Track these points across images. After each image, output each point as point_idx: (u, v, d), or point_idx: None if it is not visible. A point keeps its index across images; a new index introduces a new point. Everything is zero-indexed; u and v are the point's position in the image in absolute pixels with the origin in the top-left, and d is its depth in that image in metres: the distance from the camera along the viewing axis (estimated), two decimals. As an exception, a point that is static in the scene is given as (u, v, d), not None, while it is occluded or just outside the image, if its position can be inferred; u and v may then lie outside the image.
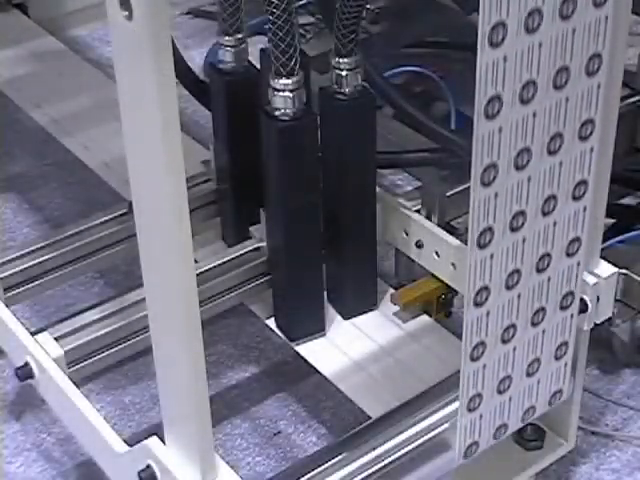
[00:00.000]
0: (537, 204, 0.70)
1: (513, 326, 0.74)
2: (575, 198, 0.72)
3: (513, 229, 0.69)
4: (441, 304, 1.00)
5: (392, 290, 1.01)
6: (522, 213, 0.69)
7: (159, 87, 0.55)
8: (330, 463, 0.77)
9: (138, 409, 1.03)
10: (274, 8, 0.80)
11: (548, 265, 0.73)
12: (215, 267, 0.95)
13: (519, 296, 0.73)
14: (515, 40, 0.62)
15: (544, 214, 0.71)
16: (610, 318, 0.85)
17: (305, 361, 0.95)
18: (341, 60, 0.88)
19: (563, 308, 0.77)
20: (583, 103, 0.68)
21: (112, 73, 0.60)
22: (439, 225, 0.96)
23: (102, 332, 0.88)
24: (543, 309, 0.75)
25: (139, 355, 0.95)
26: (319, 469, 0.77)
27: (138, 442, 0.73)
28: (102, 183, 1.20)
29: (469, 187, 0.65)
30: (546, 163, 0.69)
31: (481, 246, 0.68)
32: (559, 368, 0.80)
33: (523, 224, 0.70)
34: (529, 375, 0.78)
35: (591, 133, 0.70)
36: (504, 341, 0.74)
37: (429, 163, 1.09)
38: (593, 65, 0.67)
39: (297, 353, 0.96)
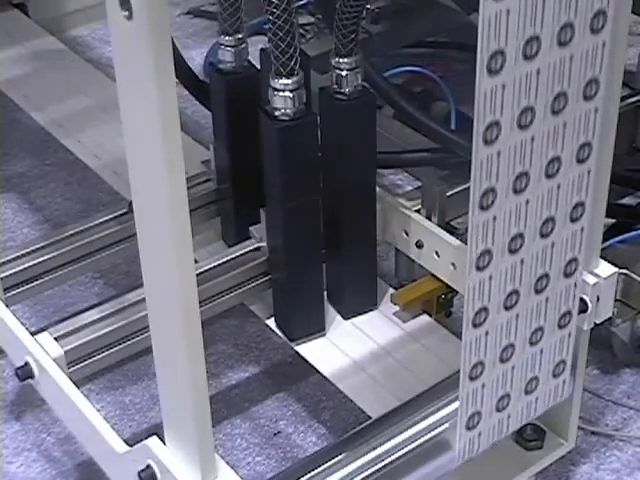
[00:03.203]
0: (535, 226, 0.70)
1: (511, 346, 0.74)
2: (573, 220, 0.73)
3: (511, 251, 0.70)
4: (441, 304, 1.00)
5: (392, 290, 1.01)
6: (520, 235, 0.70)
7: (159, 87, 0.55)
8: (330, 463, 0.77)
9: (138, 409, 1.03)
10: (274, 8, 0.81)
11: (546, 286, 0.74)
12: (215, 267, 0.95)
13: (517, 316, 0.73)
14: (513, 67, 0.62)
15: (542, 236, 0.71)
16: (610, 318, 0.85)
17: (305, 361, 0.95)
18: (341, 60, 0.88)
19: (561, 327, 0.77)
20: (580, 127, 0.69)
21: (112, 73, 0.60)
22: (439, 225, 0.96)
23: (102, 332, 0.88)
24: (541, 329, 0.76)
25: (139, 355, 0.95)
26: (319, 469, 0.77)
27: (138, 442, 0.73)
28: (102, 183, 1.20)
29: (469, 187, 0.65)
30: (544, 186, 0.69)
31: (480, 268, 0.68)
32: (557, 385, 0.80)
33: (521, 246, 0.70)
34: (527, 393, 0.78)
35: (588, 156, 0.71)
36: (502, 360, 0.74)
37: (429, 163, 1.09)
38: (590, 90, 0.68)
39: (297, 353, 0.96)
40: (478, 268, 0.68)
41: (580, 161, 0.70)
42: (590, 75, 0.67)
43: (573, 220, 0.73)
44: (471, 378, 0.73)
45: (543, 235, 0.71)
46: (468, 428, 0.75)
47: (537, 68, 0.63)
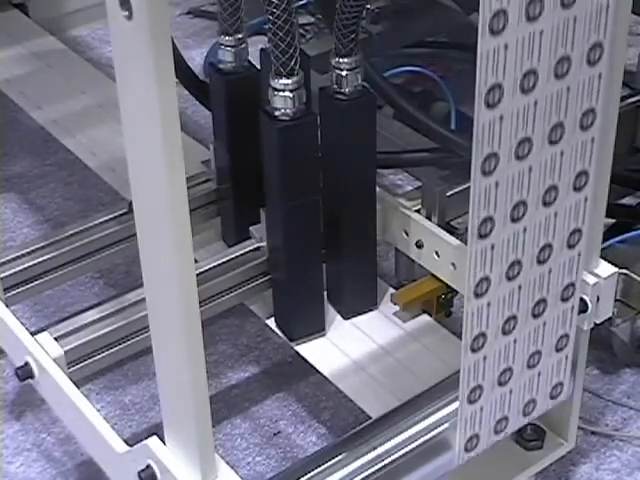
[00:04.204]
0: (538, 194, 0.69)
1: (514, 317, 0.74)
2: (576, 189, 0.72)
3: (514, 219, 0.69)
4: (441, 304, 1.00)
5: (392, 290, 1.01)
6: (523, 203, 0.69)
7: (159, 87, 0.55)
8: (330, 463, 0.77)
9: (138, 409, 1.03)
10: (274, 8, 0.80)
11: (549, 256, 0.73)
12: (215, 267, 0.95)
13: (520, 287, 0.73)
14: (516, 28, 0.61)
15: (545, 204, 0.70)
16: (610, 318, 0.85)
17: (305, 361, 0.95)
18: (341, 60, 0.88)
19: (564, 300, 0.77)
20: (584, 92, 0.68)
21: (112, 73, 0.60)
22: (439, 225, 0.96)
23: (102, 332, 0.88)
24: (544, 300, 0.75)
25: (139, 355, 0.95)
26: (319, 469, 0.77)
27: (138, 442, 0.73)
28: (102, 183, 1.20)
29: (469, 187, 0.65)
30: (547, 153, 0.68)
31: (482, 236, 0.68)
32: (560, 360, 0.80)
33: (524, 214, 0.69)
34: (530, 367, 0.78)
35: (592, 123, 0.70)
36: (505, 333, 0.74)
37: (429, 163, 1.09)
38: (594, 54, 0.67)
39: (297, 353, 0.96)
40: (480, 236, 0.68)
41: (583, 128, 0.70)
42: (594, 39, 0.66)
43: (576, 189, 0.72)
44: (473, 350, 0.72)
45: (546, 203, 0.70)
46: (470, 401, 0.75)
47: (540, 29, 0.63)
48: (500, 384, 0.76)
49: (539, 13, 0.62)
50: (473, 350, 0.72)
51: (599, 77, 0.68)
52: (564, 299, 0.77)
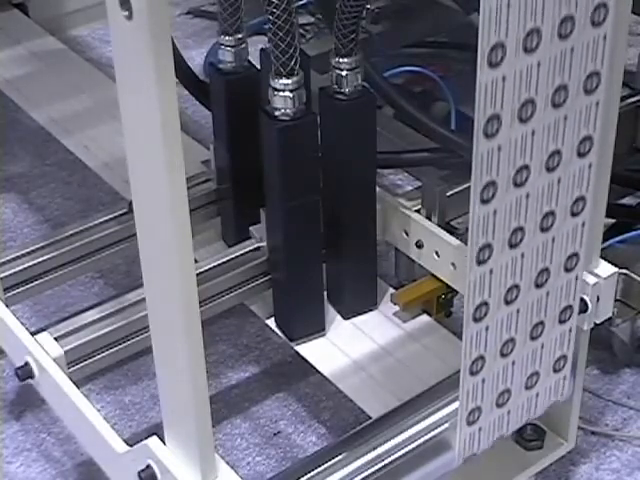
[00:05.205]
0: (535, 220, 0.70)
1: (512, 340, 0.74)
2: (574, 214, 0.73)
3: (512, 245, 0.69)
4: (441, 304, 1.00)
5: (392, 290, 1.01)
6: (521, 229, 0.69)
7: (159, 87, 0.55)
8: (330, 463, 0.77)
9: (138, 409, 1.03)
10: (274, 8, 0.81)
11: (547, 280, 0.73)
12: (215, 267, 0.95)
13: (518, 311, 0.73)
14: (514, 60, 0.62)
15: (542, 230, 0.71)
16: (610, 318, 0.85)
17: (305, 361, 0.95)
18: (341, 60, 0.88)
19: (562, 322, 0.77)
20: (581, 120, 0.69)
21: (112, 73, 0.60)
22: (439, 225, 0.96)
23: (102, 332, 0.88)
24: (542, 323, 0.75)
25: (139, 355, 0.95)
26: (319, 469, 0.77)
27: (138, 442, 0.73)
28: (102, 183, 1.20)
29: (469, 187, 0.65)
30: (545, 180, 0.69)
31: (480, 262, 0.68)
32: (557, 381, 0.80)
33: (522, 240, 0.70)
34: (528, 388, 0.78)
35: (589, 150, 0.71)
36: (503, 355, 0.74)
37: (429, 163, 1.09)
38: (591, 83, 0.68)
39: (297, 353, 0.96)
40: (479, 262, 0.68)
41: (581, 155, 0.70)
42: (591, 68, 0.67)
43: (574, 214, 0.72)
44: (472, 373, 0.73)
45: (544, 229, 0.71)
46: (469, 423, 0.75)
47: (538, 61, 0.63)
48: (498, 405, 0.76)
49: (536, 45, 0.63)
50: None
51: (596, 105, 0.69)
52: (562, 321, 0.77)
